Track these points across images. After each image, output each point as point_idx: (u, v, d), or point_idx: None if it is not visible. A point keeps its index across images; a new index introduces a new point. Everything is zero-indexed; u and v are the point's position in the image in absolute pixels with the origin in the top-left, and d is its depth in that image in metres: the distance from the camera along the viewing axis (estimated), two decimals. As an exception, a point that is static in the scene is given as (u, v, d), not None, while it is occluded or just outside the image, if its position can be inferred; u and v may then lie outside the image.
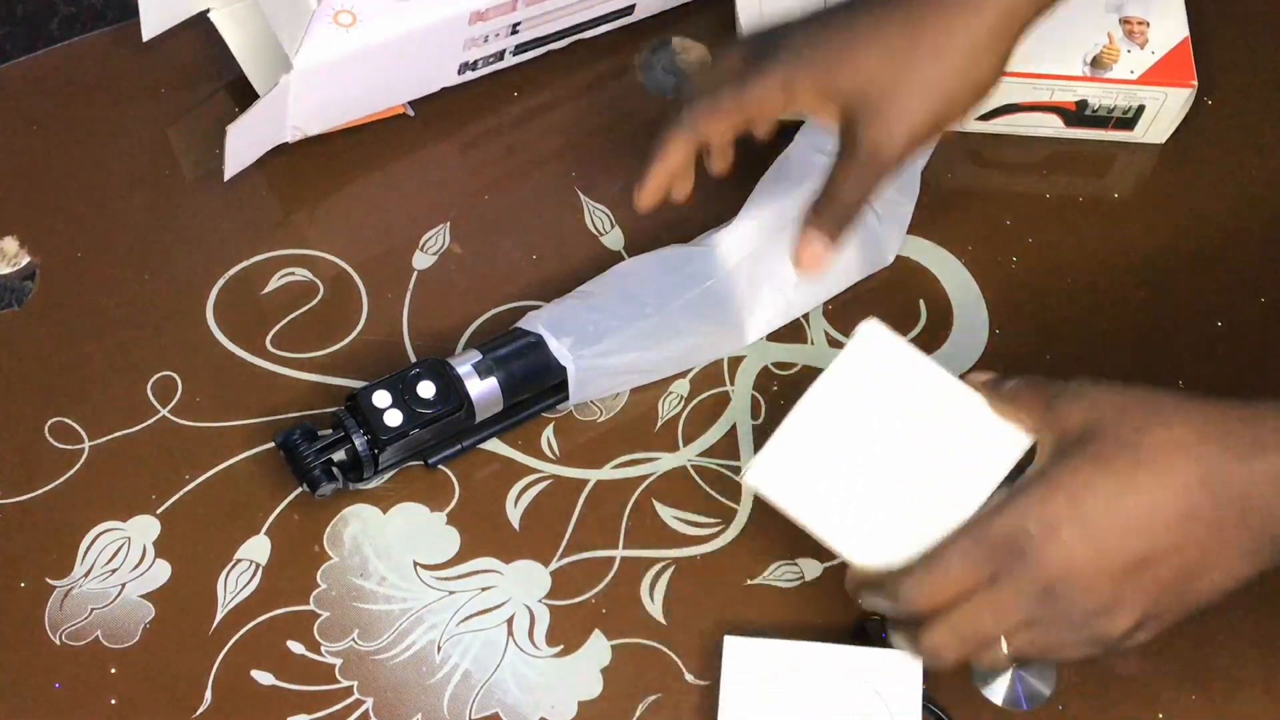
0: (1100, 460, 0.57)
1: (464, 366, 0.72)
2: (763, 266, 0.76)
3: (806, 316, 0.79)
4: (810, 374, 0.77)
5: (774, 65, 0.67)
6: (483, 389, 0.72)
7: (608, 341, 0.73)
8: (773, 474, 0.63)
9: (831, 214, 0.67)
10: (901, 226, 0.80)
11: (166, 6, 0.81)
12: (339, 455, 0.71)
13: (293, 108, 0.79)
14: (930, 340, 0.78)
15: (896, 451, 0.63)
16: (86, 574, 0.71)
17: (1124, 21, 0.82)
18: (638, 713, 0.69)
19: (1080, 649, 0.59)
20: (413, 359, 0.78)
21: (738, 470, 0.75)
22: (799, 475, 0.63)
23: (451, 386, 0.71)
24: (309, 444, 0.71)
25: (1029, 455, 0.61)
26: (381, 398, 0.71)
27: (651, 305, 0.75)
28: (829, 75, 0.66)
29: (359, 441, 0.71)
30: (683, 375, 0.77)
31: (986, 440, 0.62)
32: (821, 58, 0.66)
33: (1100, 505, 0.56)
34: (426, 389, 0.71)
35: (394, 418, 0.71)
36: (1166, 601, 0.58)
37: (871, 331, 0.65)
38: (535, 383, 0.73)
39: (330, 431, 0.71)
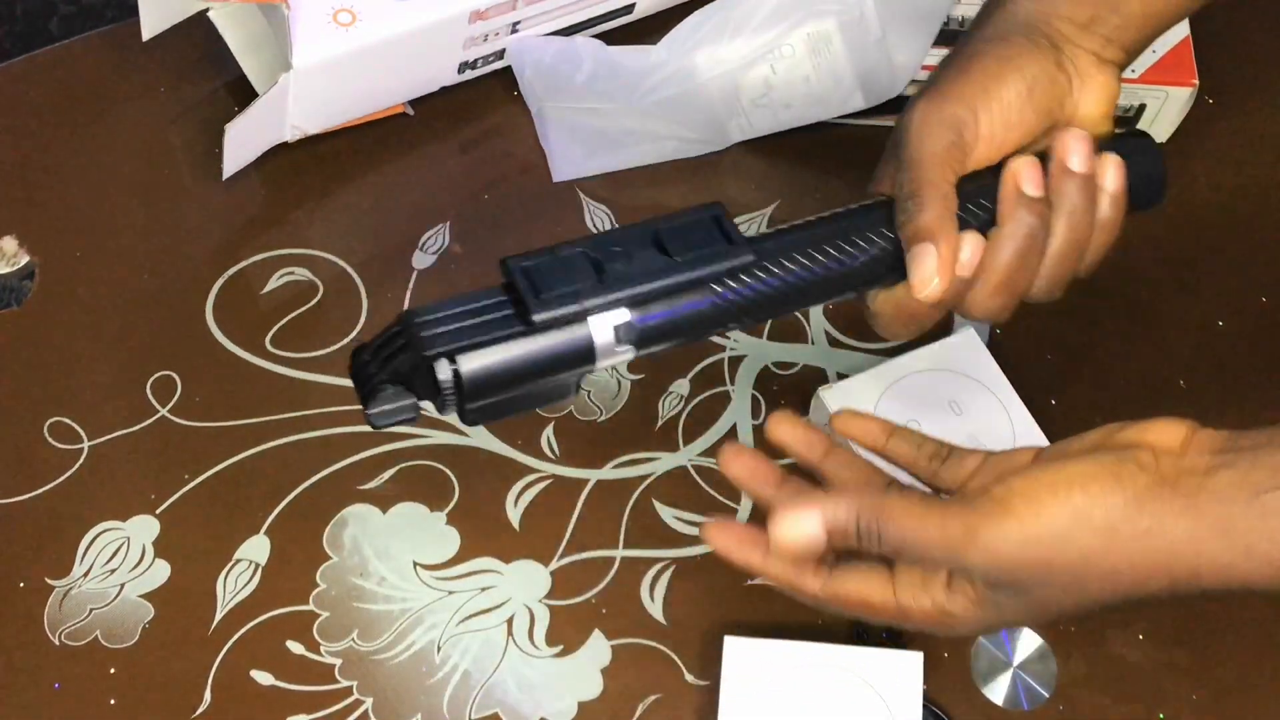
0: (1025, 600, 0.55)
1: (599, 306, 0.55)
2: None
3: (807, 316, 0.79)
4: (810, 374, 0.77)
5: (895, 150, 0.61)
6: (612, 348, 0.56)
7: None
8: None
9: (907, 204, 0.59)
10: (918, 52, 0.79)
11: (166, 6, 0.81)
12: (399, 362, 0.54)
13: (292, 107, 0.79)
14: (930, 341, 0.78)
15: None
16: (86, 574, 0.71)
17: (1124, 21, 0.82)
18: (638, 713, 0.69)
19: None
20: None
21: (738, 470, 0.75)
22: None
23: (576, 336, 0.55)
24: (376, 353, 0.55)
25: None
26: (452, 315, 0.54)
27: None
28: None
29: (443, 371, 0.54)
30: (683, 375, 0.77)
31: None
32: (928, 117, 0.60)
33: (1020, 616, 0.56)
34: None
35: (479, 359, 0.54)
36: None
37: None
38: (680, 336, 0.58)
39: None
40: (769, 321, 0.79)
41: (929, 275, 0.57)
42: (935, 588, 0.55)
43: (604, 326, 0.55)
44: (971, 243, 0.58)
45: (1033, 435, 0.71)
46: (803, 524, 0.55)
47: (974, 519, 0.53)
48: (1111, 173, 0.60)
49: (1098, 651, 0.70)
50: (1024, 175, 0.59)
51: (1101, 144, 0.61)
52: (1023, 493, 0.53)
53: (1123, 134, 0.63)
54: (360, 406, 0.56)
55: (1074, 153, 0.59)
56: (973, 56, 0.60)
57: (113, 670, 0.69)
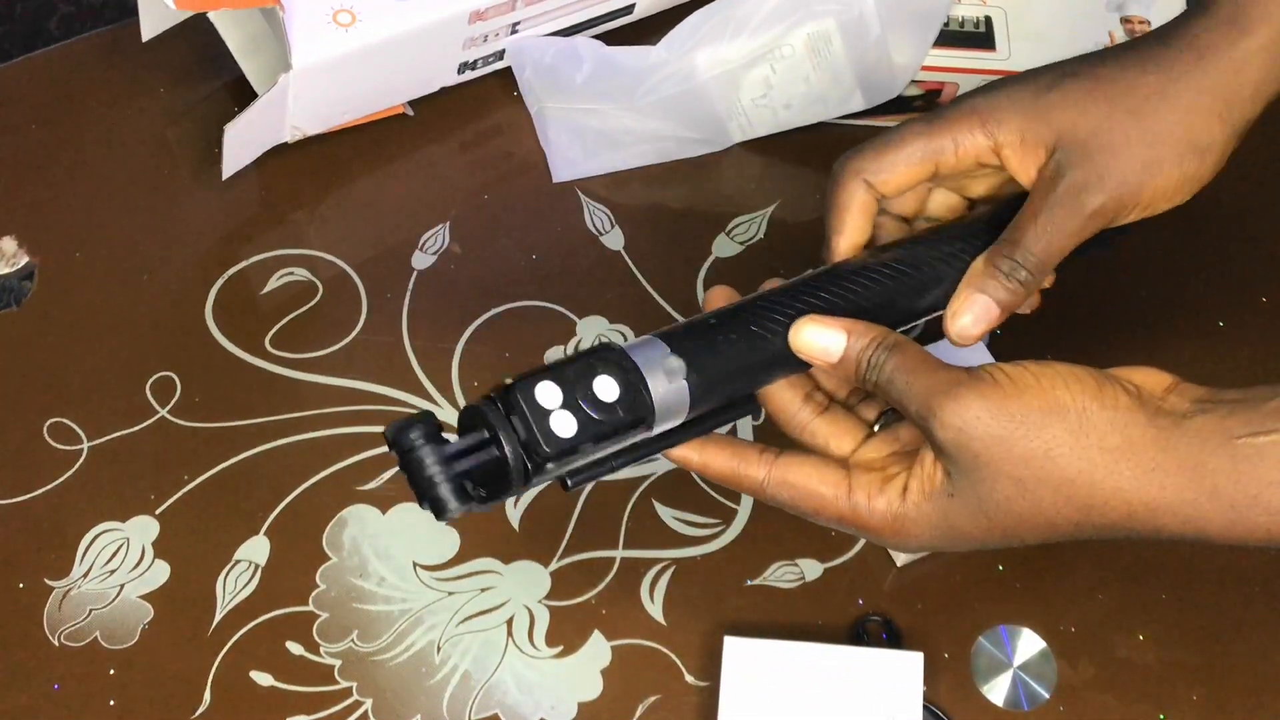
0: (980, 509, 0.54)
1: (647, 357, 0.54)
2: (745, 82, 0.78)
3: (807, 316, 0.79)
4: (810, 374, 0.77)
5: (972, 108, 0.59)
6: (669, 395, 0.54)
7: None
8: None
9: (1009, 265, 0.58)
10: (918, 52, 0.79)
11: (166, 6, 0.81)
12: (472, 464, 0.51)
13: (292, 107, 0.79)
14: (930, 341, 0.78)
15: None
16: (85, 575, 0.71)
17: (1125, 21, 0.82)
18: (638, 713, 0.69)
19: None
20: (414, 359, 0.77)
21: (738, 470, 0.75)
22: None
23: (635, 388, 0.53)
24: (436, 447, 0.50)
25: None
26: (549, 393, 0.51)
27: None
28: (1039, 115, 0.59)
29: (510, 449, 0.51)
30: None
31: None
32: (1031, 97, 0.59)
33: (972, 534, 0.55)
34: (607, 388, 0.52)
35: (565, 424, 0.51)
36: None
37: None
38: (738, 383, 0.57)
39: (460, 436, 0.52)
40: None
41: (971, 328, 0.60)
42: (892, 489, 0.55)
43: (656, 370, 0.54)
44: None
45: None
46: (828, 334, 0.55)
47: (962, 378, 0.53)
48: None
49: (1098, 652, 0.70)
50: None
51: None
52: (1010, 374, 0.53)
53: None
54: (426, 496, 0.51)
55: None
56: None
57: (112, 671, 0.69)
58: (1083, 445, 0.52)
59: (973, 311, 0.59)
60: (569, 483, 0.55)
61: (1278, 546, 0.52)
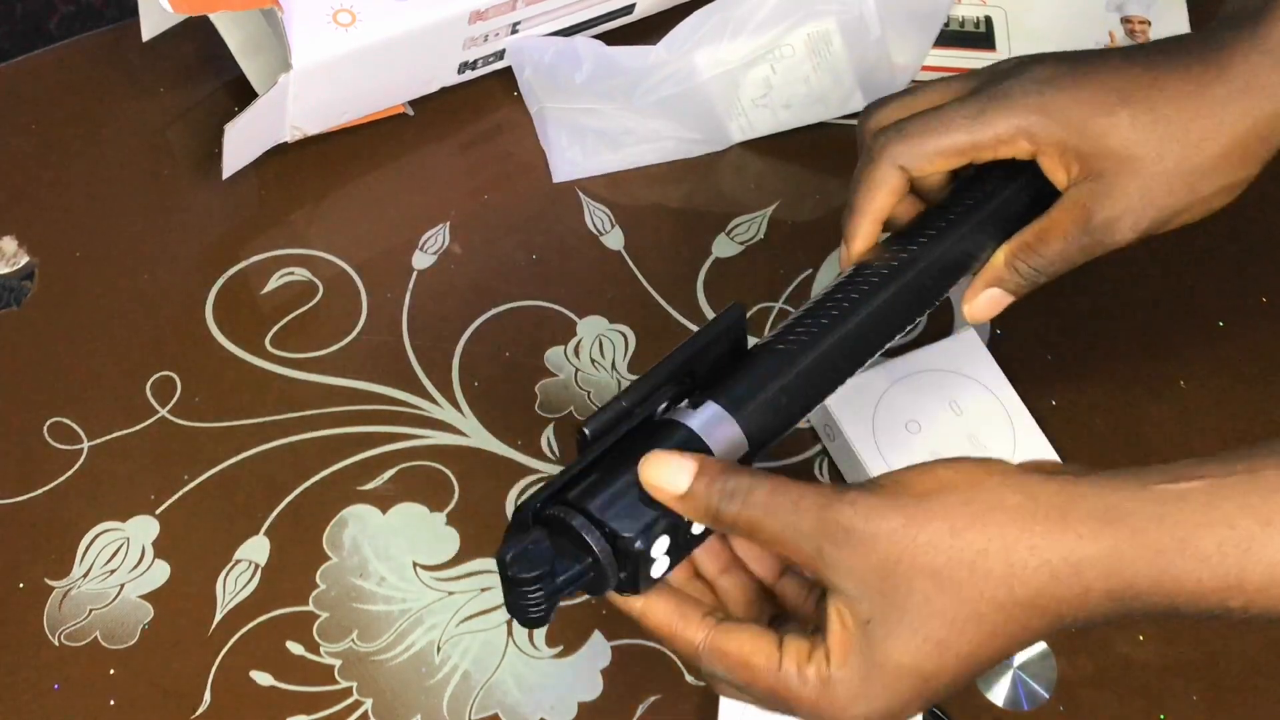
0: (903, 624, 0.48)
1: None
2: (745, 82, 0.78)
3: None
4: (810, 374, 0.77)
5: (1014, 106, 0.59)
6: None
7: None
8: None
9: (1028, 271, 0.61)
10: (918, 52, 0.79)
11: (166, 6, 0.81)
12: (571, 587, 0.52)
13: (292, 107, 0.79)
14: (930, 341, 0.78)
15: None
16: (85, 574, 0.71)
17: (1125, 21, 0.82)
18: (638, 713, 0.69)
19: None
20: (414, 359, 0.77)
21: (738, 470, 0.75)
22: None
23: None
24: (547, 581, 0.51)
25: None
26: (661, 545, 0.52)
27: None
28: (1080, 130, 0.58)
29: (613, 583, 0.53)
30: (683, 375, 0.77)
31: None
32: (1073, 108, 0.58)
33: (909, 665, 0.48)
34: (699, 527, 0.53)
35: (660, 567, 0.53)
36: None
37: None
38: (787, 426, 0.57)
39: (571, 564, 0.52)
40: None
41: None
42: (820, 655, 0.49)
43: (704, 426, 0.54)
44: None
45: (1033, 435, 0.71)
46: (675, 467, 0.50)
47: (834, 495, 0.49)
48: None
49: (1098, 652, 0.70)
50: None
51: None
52: (888, 478, 0.49)
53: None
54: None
55: None
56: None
57: (113, 671, 0.69)
58: (983, 512, 0.48)
59: (990, 299, 0.62)
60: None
61: (1212, 611, 0.48)
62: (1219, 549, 0.47)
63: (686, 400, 0.55)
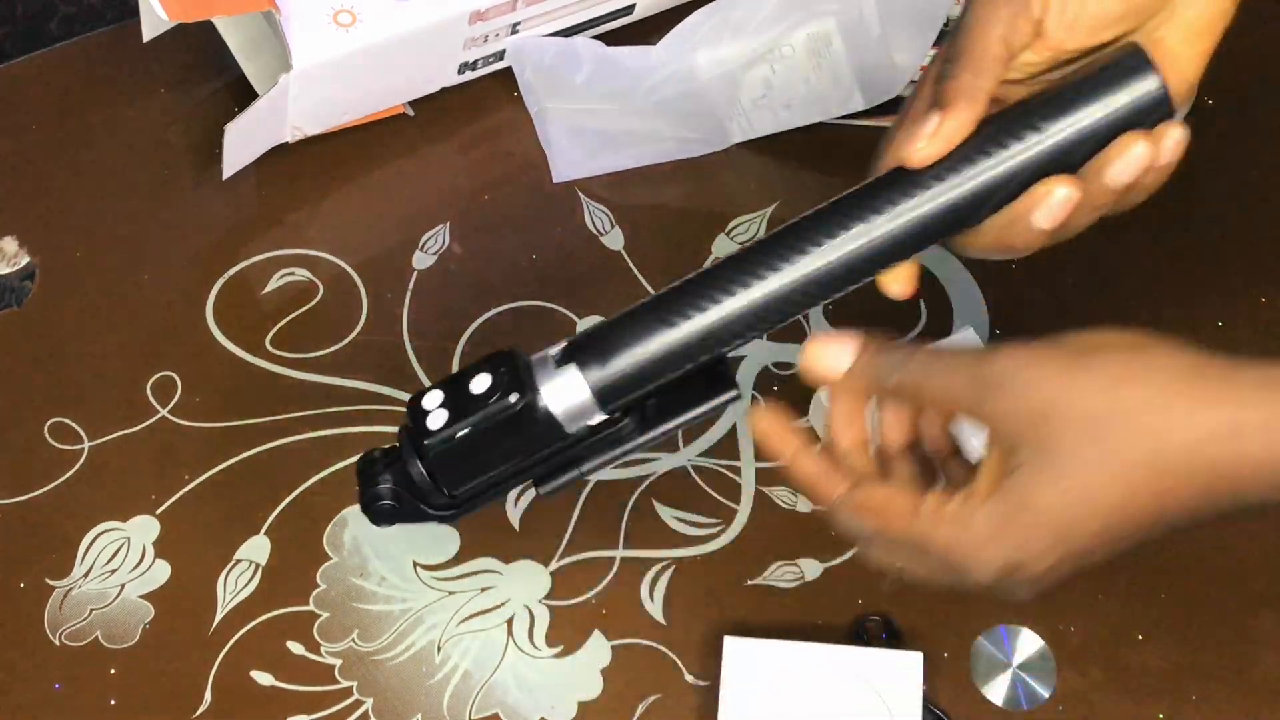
0: (1050, 470, 0.48)
1: (538, 355, 0.56)
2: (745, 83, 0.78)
3: (806, 316, 0.79)
4: (810, 374, 0.77)
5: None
6: (562, 383, 0.55)
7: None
8: None
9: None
10: (918, 52, 0.79)
11: (161, 13, 0.81)
12: (395, 475, 0.59)
13: (292, 107, 0.79)
14: (930, 341, 0.78)
15: None
16: (86, 574, 0.71)
17: (1124, 21, 0.82)
18: (638, 713, 0.69)
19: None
20: (414, 359, 0.78)
21: (738, 470, 0.75)
22: None
23: (515, 377, 0.55)
24: (378, 467, 0.59)
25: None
26: (432, 398, 0.56)
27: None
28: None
29: (413, 465, 0.57)
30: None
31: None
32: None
33: (1049, 512, 0.48)
34: (480, 384, 0.55)
35: (438, 418, 0.56)
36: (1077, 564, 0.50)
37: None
38: (644, 366, 0.55)
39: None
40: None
41: (922, 136, 0.52)
42: (960, 497, 0.49)
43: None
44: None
45: None
46: (836, 349, 0.52)
47: (999, 347, 0.49)
48: (1170, 148, 0.54)
49: (1097, 652, 0.70)
50: (1042, 211, 0.53)
51: (1090, 74, 0.54)
52: (1052, 339, 0.49)
53: (1115, 59, 0.55)
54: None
55: (1124, 171, 0.53)
56: None
57: (113, 670, 0.69)
58: (1144, 370, 0.48)
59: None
60: (539, 490, 0.59)
61: None
62: None
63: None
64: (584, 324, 0.79)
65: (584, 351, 0.55)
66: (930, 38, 0.81)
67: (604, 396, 0.55)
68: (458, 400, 0.55)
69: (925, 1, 0.80)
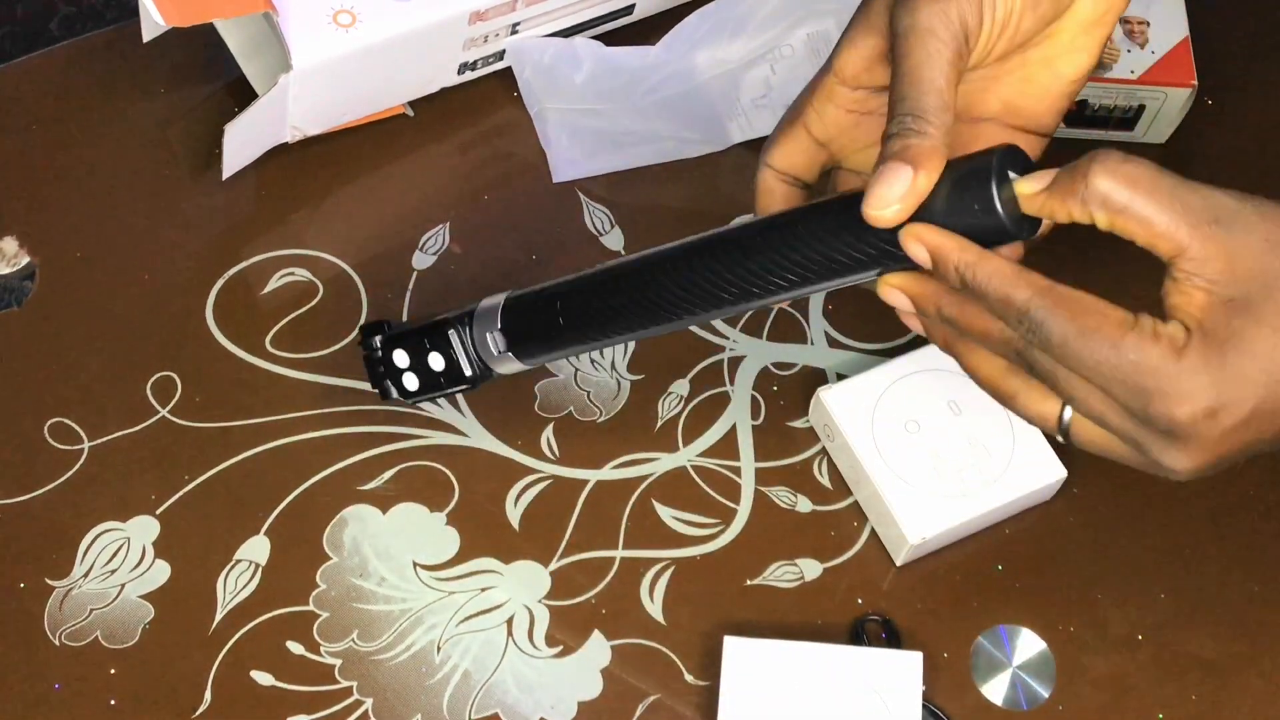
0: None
1: (481, 327, 0.69)
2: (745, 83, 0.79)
3: (806, 316, 0.79)
4: (810, 374, 0.77)
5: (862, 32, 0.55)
6: (502, 360, 0.68)
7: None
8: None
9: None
10: None
11: (157, 18, 0.81)
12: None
13: (292, 108, 0.79)
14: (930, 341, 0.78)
15: None
16: (86, 574, 0.71)
17: (1124, 21, 0.82)
18: (638, 713, 0.69)
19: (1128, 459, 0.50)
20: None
21: (738, 470, 0.75)
22: None
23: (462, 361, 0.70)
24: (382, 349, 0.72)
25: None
26: (401, 358, 0.71)
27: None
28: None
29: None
30: (682, 375, 0.77)
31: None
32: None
33: (1266, 361, 0.46)
34: (436, 360, 0.70)
35: (410, 381, 0.71)
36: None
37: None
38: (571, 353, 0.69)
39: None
40: (743, 317, 0.79)
41: (891, 197, 0.50)
42: (1177, 323, 0.47)
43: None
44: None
45: (1033, 436, 0.71)
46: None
47: (1204, 187, 0.47)
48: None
49: (1097, 652, 0.70)
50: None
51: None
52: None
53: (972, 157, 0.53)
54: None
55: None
56: None
57: (113, 670, 0.69)
58: None
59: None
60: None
61: None
62: None
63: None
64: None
65: (522, 347, 0.67)
66: None
67: (530, 362, 0.68)
68: (422, 372, 0.70)
69: None
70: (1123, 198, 0.48)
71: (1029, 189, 0.50)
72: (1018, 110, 0.58)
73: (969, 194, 0.50)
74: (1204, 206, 0.47)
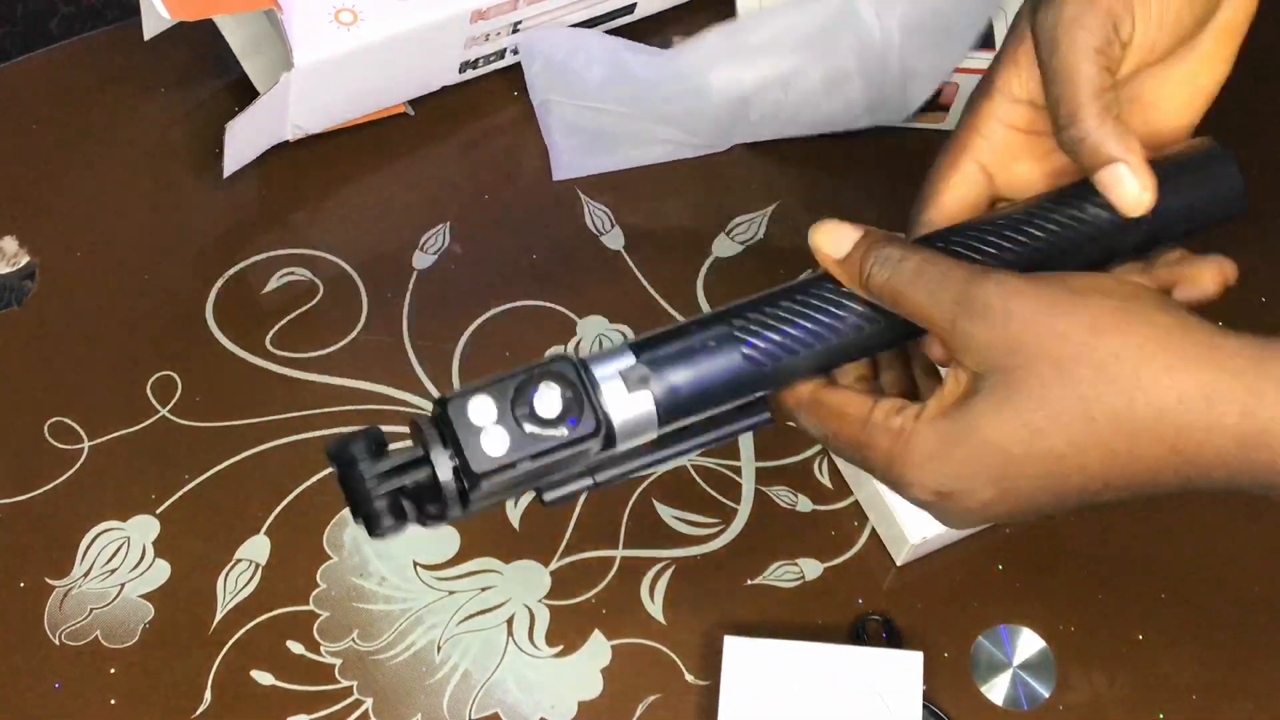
0: (1008, 404, 0.47)
1: (606, 370, 0.50)
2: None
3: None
4: (810, 374, 0.77)
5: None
6: (631, 408, 0.50)
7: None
8: None
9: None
10: (932, 79, 0.78)
11: (163, 12, 0.81)
12: (411, 481, 0.48)
13: (293, 106, 0.79)
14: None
15: None
16: (86, 574, 0.71)
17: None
18: (638, 713, 0.69)
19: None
20: (414, 359, 0.77)
21: (738, 470, 0.75)
22: None
23: (583, 400, 0.49)
24: (372, 462, 0.48)
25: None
26: (482, 409, 0.48)
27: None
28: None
29: (443, 467, 0.48)
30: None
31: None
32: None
33: (994, 445, 0.47)
34: (549, 403, 0.48)
35: (497, 443, 0.48)
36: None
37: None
38: (712, 397, 0.51)
39: (405, 447, 0.49)
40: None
41: (1136, 191, 0.50)
42: (910, 409, 0.49)
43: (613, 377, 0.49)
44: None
45: None
46: (841, 234, 0.50)
47: (982, 271, 0.48)
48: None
49: (1098, 652, 0.70)
50: None
51: (1164, 162, 0.54)
52: (1045, 273, 0.48)
53: (1191, 148, 0.57)
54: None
55: None
56: None
57: (113, 670, 0.69)
58: (1129, 321, 0.46)
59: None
60: (544, 499, 0.51)
61: None
62: None
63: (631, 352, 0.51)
64: (584, 324, 0.79)
65: (660, 375, 0.50)
66: (941, 79, 0.81)
67: (665, 420, 0.50)
68: (519, 420, 0.48)
69: (947, 44, 0.79)
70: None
71: (843, 248, 0.52)
72: (1158, 131, 0.58)
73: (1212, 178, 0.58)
74: (972, 295, 0.48)
